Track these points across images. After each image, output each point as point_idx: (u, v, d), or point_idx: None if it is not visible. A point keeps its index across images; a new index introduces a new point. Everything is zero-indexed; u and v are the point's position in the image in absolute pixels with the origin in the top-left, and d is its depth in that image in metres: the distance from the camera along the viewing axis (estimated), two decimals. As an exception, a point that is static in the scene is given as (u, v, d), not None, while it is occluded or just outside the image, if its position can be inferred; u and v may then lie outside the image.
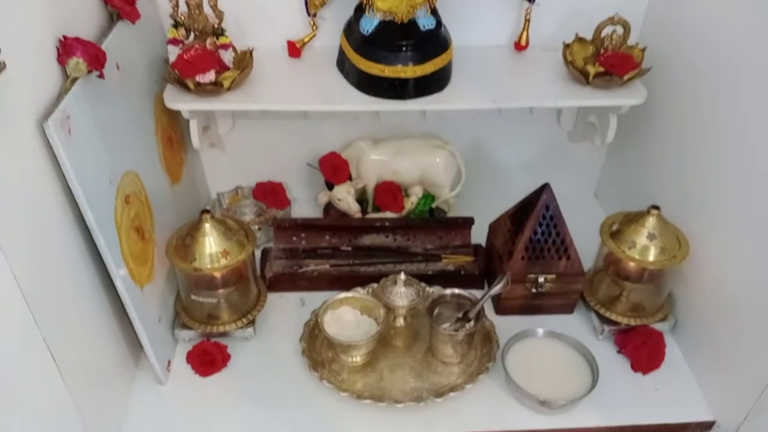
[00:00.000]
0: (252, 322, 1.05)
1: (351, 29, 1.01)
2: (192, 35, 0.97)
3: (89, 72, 0.78)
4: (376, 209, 1.26)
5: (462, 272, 1.15)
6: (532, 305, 1.09)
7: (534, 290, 1.06)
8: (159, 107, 1.03)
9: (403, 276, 1.03)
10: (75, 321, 0.80)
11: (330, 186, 1.22)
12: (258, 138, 1.26)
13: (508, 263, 1.04)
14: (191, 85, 0.96)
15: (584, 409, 0.95)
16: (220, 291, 1.01)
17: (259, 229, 1.23)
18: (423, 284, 1.06)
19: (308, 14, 1.07)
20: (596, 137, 1.16)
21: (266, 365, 1.02)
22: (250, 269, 1.04)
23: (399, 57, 0.96)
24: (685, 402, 0.98)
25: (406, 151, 1.22)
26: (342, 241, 1.19)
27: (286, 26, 1.09)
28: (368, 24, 0.97)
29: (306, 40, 1.09)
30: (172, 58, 0.96)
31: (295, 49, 1.09)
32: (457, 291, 1.03)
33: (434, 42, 0.98)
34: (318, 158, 1.22)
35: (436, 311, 1.02)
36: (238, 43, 1.01)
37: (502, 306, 1.09)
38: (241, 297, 1.04)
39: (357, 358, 1.00)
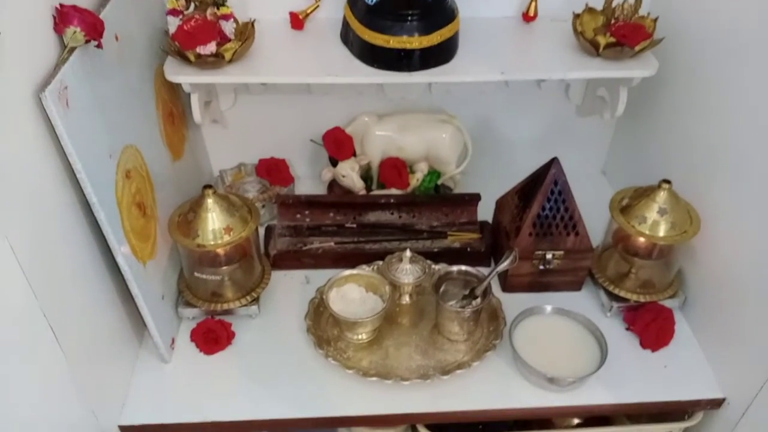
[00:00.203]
0: (256, 300, 1.04)
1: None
2: (192, 6, 0.94)
3: (87, 42, 0.76)
4: (381, 186, 1.24)
5: (468, 249, 1.14)
6: (540, 282, 1.08)
7: (541, 267, 1.05)
8: (159, 81, 1.01)
9: (408, 253, 1.01)
10: (77, 299, 0.79)
11: (334, 162, 1.20)
12: (260, 114, 1.23)
13: (515, 240, 1.03)
14: (192, 57, 0.93)
15: (592, 386, 0.95)
16: (224, 268, 1.00)
17: (263, 206, 1.21)
18: (429, 261, 1.05)
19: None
20: (606, 111, 1.14)
21: (271, 343, 1.01)
22: (254, 246, 1.03)
23: (404, 27, 0.93)
24: (695, 379, 0.97)
25: (412, 126, 1.19)
26: (346, 219, 1.17)
27: (288, -3, 1.07)
28: (373, -7, 0.95)
29: (309, 11, 1.07)
30: (172, 30, 0.94)
31: (297, 21, 1.06)
32: (463, 268, 1.02)
33: (440, 11, 0.96)
34: (321, 134, 1.20)
35: (442, 288, 1.01)
36: (239, 14, 0.98)
37: (509, 283, 1.08)
38: (245, 274, 1.03)
39: (362, 335, 0.99)
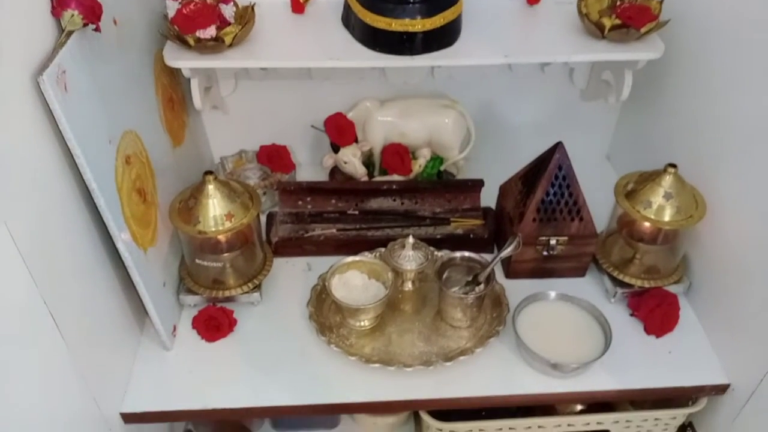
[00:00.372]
0: (258, 287, 1.03)
1: (356, -18, 0.97)
2: (191, -11, 0.93)
3: (85, 25, 0.75)
4: (383, 172, 1.23)
5: (471, 236, 1.13)
6: (543, 268, 1.07)
7: (545, 253, 1.04)
8: (159, 66, 0.99)
9: (411, 239, 1.00)
10: (77, 286, 0.78)
11: (336, 148, 1.19)
12: (261, 99, 1.22)
13: (519, 225, 1.02)
14: (191, 42, 0.92)
15: (596, 372, 0.94)
16: (225, 255, 0.99)
17: (264, 193, 1.21)
18: (431, 248, 1.04)
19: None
20: (610, 95, 1.12)
21: (273, 330, 1.01)
22: (256, 233, 1.02)
23: (407, 10, 0.92)
24: (700, 365, 0.96)
25: (414, 111, 1.18)
26: (349, 205, 1.16)
27: (288, -20, 1.05)
28: (375, -24, 0.93)
29: (309, -6, 1.06)
30: (171, 13, 0.93)
31: (298, 5, 1.05)
32: (466, 254, 1.01)
33: (443, -6, 0.94)
34: (323, 121, 1.18)
35: (445, 275, 1.00)
36: (239, -3, 0.97)
37: (512, 270, 1.07)
38: (247, 261, 1.02)
39: (365, 322, 0.99)
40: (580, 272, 1.08)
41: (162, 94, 1.01)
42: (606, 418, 1.00)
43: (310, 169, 1.31)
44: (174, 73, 1.06)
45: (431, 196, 1.17)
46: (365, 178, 1.21)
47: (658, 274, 1.02)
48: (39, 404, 0.69)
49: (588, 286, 1.07)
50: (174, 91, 1.07)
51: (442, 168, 1.24)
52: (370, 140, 1.20)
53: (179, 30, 0.92)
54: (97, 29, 0.77)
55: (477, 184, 1.16)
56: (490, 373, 0.95)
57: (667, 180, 0.95)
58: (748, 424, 0.92)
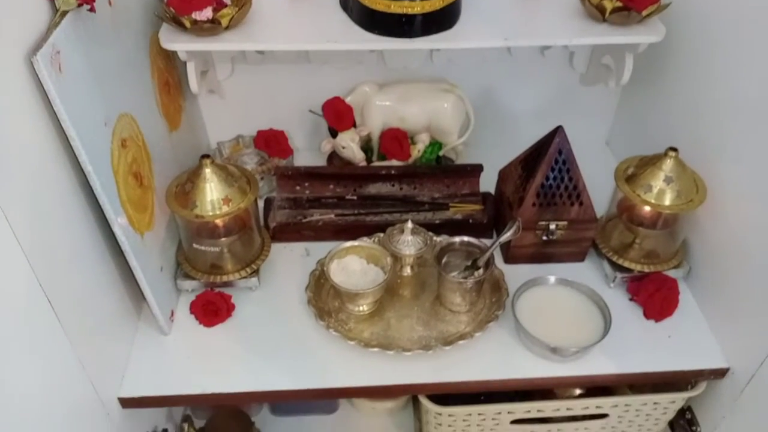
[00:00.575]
0: (256, 272, 1.03)
1: (355, -37, 0.96)
2: (187, -30, 0.92)
3: (79, 5, 0.73)
4: (382, 157, 1.23)
5: (470, 221, 1.13)
6: (542, 253, 1.06)
7: (545, 238, 1.04)
8: (155, 49, 0.98)
9: (410, 224, 1.00)
10: (74, 272, 0.77)
11: (333, 133, 1.19)
12: (258, 84, 1.21)
13: (518, 210, 1.01)
14: (187, 24, 0.91)
15: (596, 356, 0.94)
16: (223, 240, 0.98)
17: (262, 178, 1.20)
18: (430, 233, 1.03)
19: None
20: (611, 80, 1.12)
21: (272, 315, 1.00)
22: (253, 218, 1.01)
23: (406, -9, 0.91)
24: (699, 349, 0.96)
25: (413, 96, 1.17)
26: (347, 190, 1.16)
27: (285, -39, 1.04)
28: (373, -43, 0.92)
29: (307, -24, 1.04)
30: (167, -5, 0.92)
31: (295, -13, 1.04)
32: (466, 239, 1.00)
33: (443, -24, 0.93)
34: (321, 105, 1.17)
35: (444, 260, 1.00)
36: (235, -21, 0.96)
37: (511, 255, 1.07)
38: (245, 246, 1.02)
39: (364, 307, 0.98)
40: (579, 257, 1.08)
41: (158, 77, 1.00)
42: (605, 402, 1.00)
43: (307, 154, 1.30)
44: (170, 57, 1.05)
45: (430, 182, 1.16)
46: (363, 163, 1.20)
47: (658, 259, 1.02)
48: (37, 390, 0.69)
49: (587, 271, 1.06)
50: (170, 74, 1.06)
51: (440, 153, 1.23)
52: (368, 125, 1.19)
53: (175, 12, 0.91)
54: (92, 10, 0.75)
55: (476, 169, 1.15)
56: (489, 358, 0.94)
57: (668, 164, 0.94)
58: (747, 408, 0.92)
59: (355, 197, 1.15)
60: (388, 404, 1.30)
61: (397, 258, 1.00)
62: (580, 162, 0.99)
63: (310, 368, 0.93)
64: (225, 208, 0.93)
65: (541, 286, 1.00)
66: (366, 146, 1.23)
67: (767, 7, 0.83)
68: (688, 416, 1.05)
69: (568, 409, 1.00)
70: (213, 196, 0.92)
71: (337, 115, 1.16)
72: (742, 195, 0.90)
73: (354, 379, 0.92)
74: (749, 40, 0.87)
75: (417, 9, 0.92)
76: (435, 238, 1.05)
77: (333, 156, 1.24)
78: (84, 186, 0.78)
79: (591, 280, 1.02)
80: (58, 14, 0.72)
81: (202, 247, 0.98)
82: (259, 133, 1.23)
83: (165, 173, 0.98)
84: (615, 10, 0.95)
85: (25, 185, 0.67)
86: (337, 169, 1.21)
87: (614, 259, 1.03)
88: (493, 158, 1.14)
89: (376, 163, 1.22)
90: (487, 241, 1.00)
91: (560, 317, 0.97)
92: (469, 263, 0.99)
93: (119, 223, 0.81)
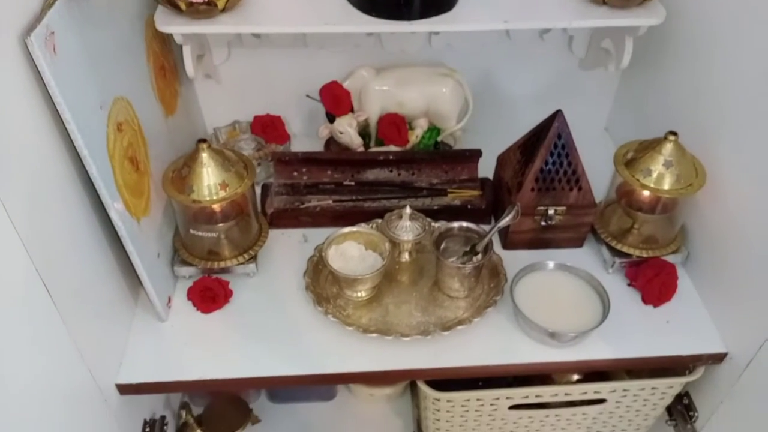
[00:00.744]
0: (254, 258, 1.02)
1: (352, -55, 0.95)
2: (182, -49, 0.91)
3: (73, -14, 0.72)
4: (380, 143, 1.22)
5: (468, 207, 1.12)
6: (541, 239, 1.06)
7: (543, 223, 1.03)
8: (150, 32, 0.97)
9: (408, 210, 0.99)
10: (71, 258, 0.77)
11: (331, 118, 1.18)
12: (255, 68, 1.20)
13: (517, 195, 1.01)
14: (183, 6, 0.90)
15: (594, 341, 0.94)
16: (220, 225, 0.98)
17: (259, 164, 1.19)
18: (428, 219, 1.03)
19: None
20: (610, 63, 1.11)
21: (269, 301, 1.00)
22: (251, 203, 1.01)
23: (404, -28, 0.90)
24: (697, 334, 0.96)
25: (411, 80, 1.16)
26: (344, 176, 1.15)
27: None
28: (371, -62, 0.91)
29: (304, -41, 1.03)
30: (162, -23, 0.90)
31: (292, -31, 1.02)
32: (464, 224, 1.00)
33: (442, -43, 0.92)
34: (318, 90, 1.16)
35: (443, 245, 0.99)
36: (231, -40, 0.94)
37: (509, 240, 1.06)
38: (242, 232, 1.01)
39: (362, 293, 0.98)
40: (578, 242, 1.07)
41: (153, 61, 0.99)
42: (603, 387, 1.00)
43: (305, 139, 1.29)
44: (166, 40, 1.04)
45: (428, 167, 1.15)
46: (361, 149, 1.20)
47: (657, 244, 1.02)
48: (34, 377, 0.68)
49: (586, 257, 1.06)
50: (166, 58, 1.05)
51: (439, 139, 1.23)
52: (366, 110, 1.19)
53: (170, -6, 0.90)
54: (86, -10, 0.74)
55: (474, 155, 1.14)
56: (487, 343, 0.94)
57: (668, 148, 0.94)
58: (745, 393, 0.92)
59: (353, 183, 1.14)
60: (387, 391, 1.30)
61: (395, 244, 1.00)
62: (579, 147, 0.99)
63: (308, 354, 0.93)
64: (222, 193, 0.92)
65: (539, 271, 1.00)
66: (364, 132, 1.22)
67: (768, -9, 0.82)
68: (686, 401, 1.05)
69: (566, 394, 1.00)
70: (210, 181, 0.92)
71: (335, 99, 1.15)
72: (742, 179, 0.90)
73: (352, 365, 0.92)
74: (749, 24, 0.87)
75: (415, -10, 0.91)
76: (433, 223, 1.04)
77: (330, 141, 1.23)
78: (80, 171, 0.77)
79: (589, 266, 1.02)
80: (51, -5, 0.71)
81: (199, 233, 0.98)
82: (256, 118, 1.22)
83: (161, 158, 0.97)
84: (615, -7, 0.95)
85: (22, 171, 0.66)
86: (334, 154, 1.20)
87: (613, 244, 1.03)
88: (492, 143, 1.13)
89: (374, 149, 1.21)
90: (485, 227, 0.99)
91: (559, 302, 0.96)
92: (467, 249, 0.99)
93: (115, 208, 0.80)
